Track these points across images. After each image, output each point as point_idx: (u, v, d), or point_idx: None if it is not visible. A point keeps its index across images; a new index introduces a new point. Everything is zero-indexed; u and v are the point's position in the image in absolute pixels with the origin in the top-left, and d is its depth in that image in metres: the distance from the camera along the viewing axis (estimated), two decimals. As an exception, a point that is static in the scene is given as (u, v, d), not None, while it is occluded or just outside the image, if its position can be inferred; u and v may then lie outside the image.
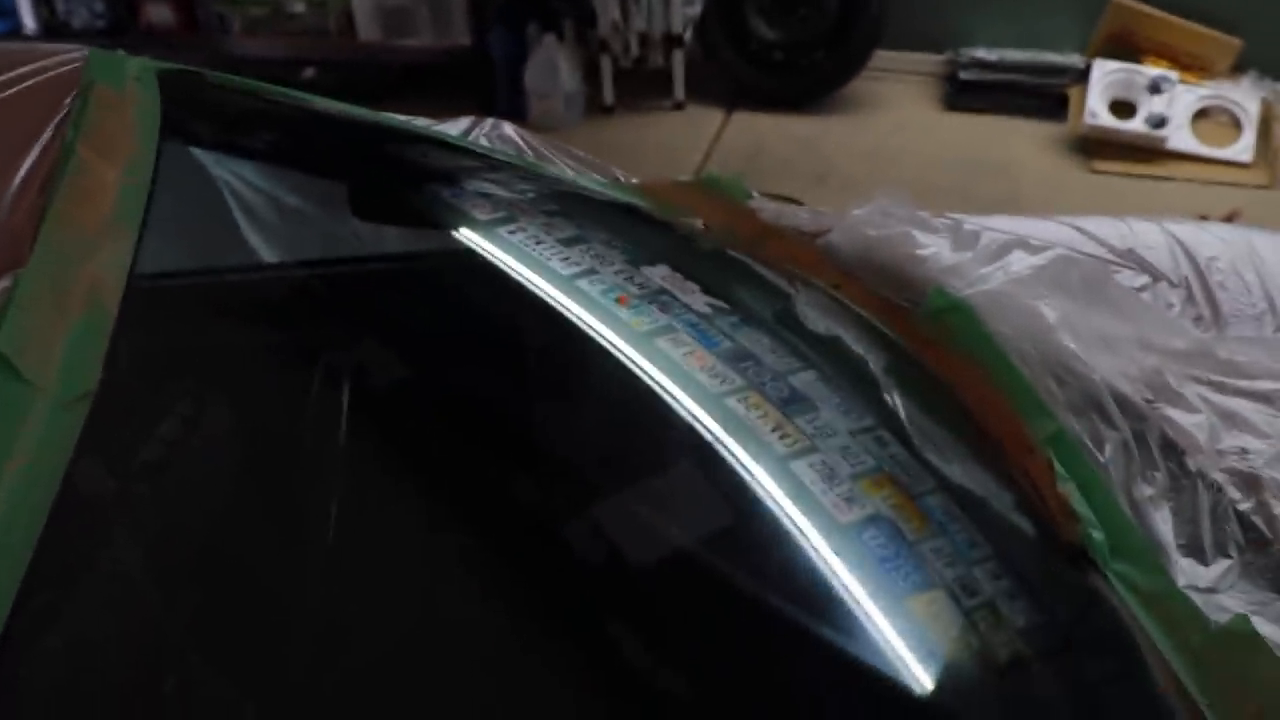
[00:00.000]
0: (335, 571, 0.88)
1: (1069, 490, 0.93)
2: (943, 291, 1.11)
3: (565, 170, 1.32)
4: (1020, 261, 1.15)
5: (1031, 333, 1.07)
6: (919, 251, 1.19)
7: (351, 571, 0.90)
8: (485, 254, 1.08)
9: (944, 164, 3.64)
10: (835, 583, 0.84)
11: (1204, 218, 2.03)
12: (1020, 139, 3.84)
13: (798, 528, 0.86)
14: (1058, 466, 0.95)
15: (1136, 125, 3.62)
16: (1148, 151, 3.60)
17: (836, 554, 0.85)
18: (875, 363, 1.07)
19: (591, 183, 1.33)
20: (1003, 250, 1.17)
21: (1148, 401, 1.06)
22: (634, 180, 1.35)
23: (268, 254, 1.22)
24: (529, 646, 0.86)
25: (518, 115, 3.80)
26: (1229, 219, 2.65)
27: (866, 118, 4.05)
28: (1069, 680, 0.88)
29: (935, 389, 1.07)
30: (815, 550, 0.85)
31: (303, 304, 1.16)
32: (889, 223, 1.23)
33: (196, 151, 1.17)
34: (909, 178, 3.53)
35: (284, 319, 1.12)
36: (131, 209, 0.75)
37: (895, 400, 1.03)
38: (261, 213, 1.21)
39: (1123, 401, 1.04)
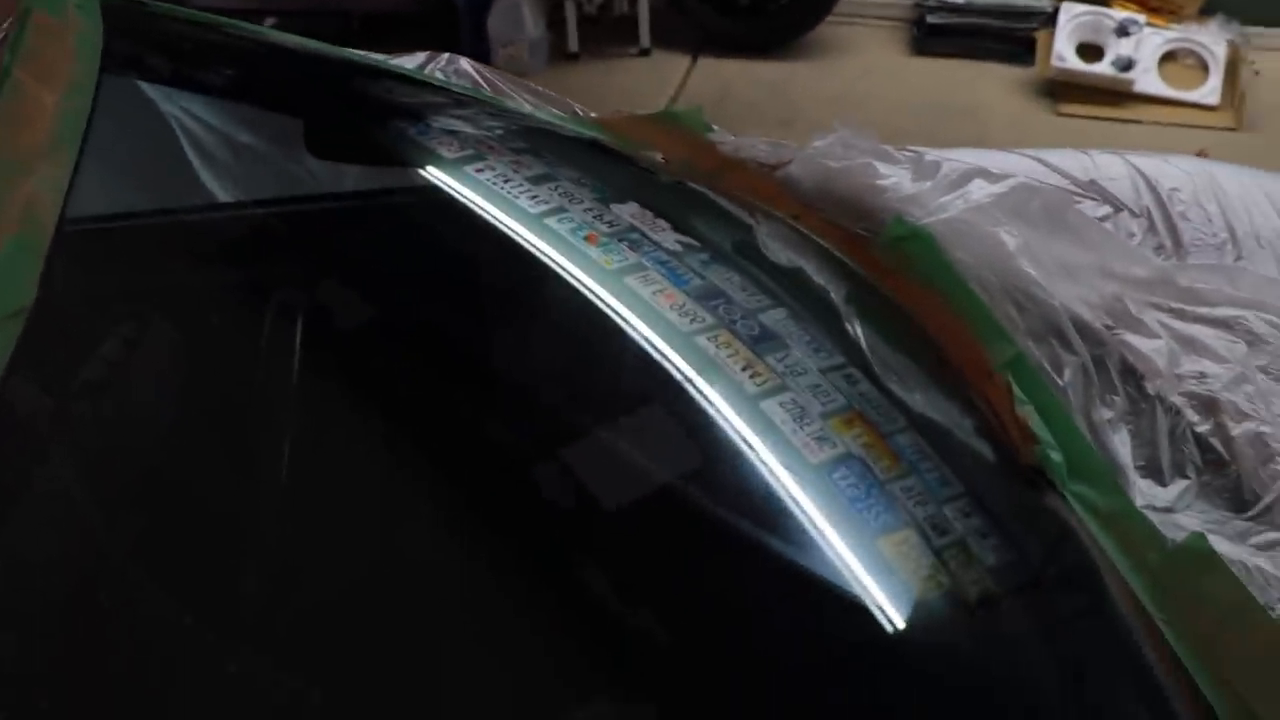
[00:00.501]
0: (288, 506, 0.87)
1: (1028, 413, 0.93)
2: (902, 220, 1.10)
3: (524, 105, 1.30)
4: (980, 190, 1.14)
5: (991, 260, 1.07)
6: (879, 181, 1.18)
7: (305, 507, 0.88)
8: (450, 192, 1.06)
9: (911, 108, 3.62)
10: (806, 523, 0.83)
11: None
12: (988, 83, 3.82)
13: (768, 468, 0.85)
14: (1016, 390, 0.94)
15: (1104, 68, 3.60)
16: (1115, 94, 3.59)
17: (807, 494, 0.84)
18: (836, 293, 1.06)
19: (551, 118, 1.32)
20: (963, 179, 1.16)
21: (1108, 328, 1.06)
22: (593, 115, 1.34)
23: (222, 194, 1.20)
24: (494, 588, 0.85)
25: (482, 62, 3.71)
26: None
27: (833, 63, 4.02)
28: (1038, 617, 0.88)
29: (896, 318, 1.07)
30: (786, 490, 0.84)
31: (258, 243, 1.14)
32: (849, 154, 1.22)
33: (145, 87, 1.14)
34: (876, 121, 3.42)
35: (239, 258, 1.10)
36: (70, 132, 0.73)
37: (856, 330, 1.02)
38: (215, 151, 1.18)
39: (1082, 327, 1.04)
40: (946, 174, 1.17)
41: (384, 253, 1.08)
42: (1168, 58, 3.62)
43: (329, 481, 0.91)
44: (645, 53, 4.05)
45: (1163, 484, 0.94)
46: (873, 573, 0.81)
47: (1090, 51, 3.65)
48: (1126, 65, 3.56)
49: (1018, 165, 1.38)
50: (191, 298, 0.99)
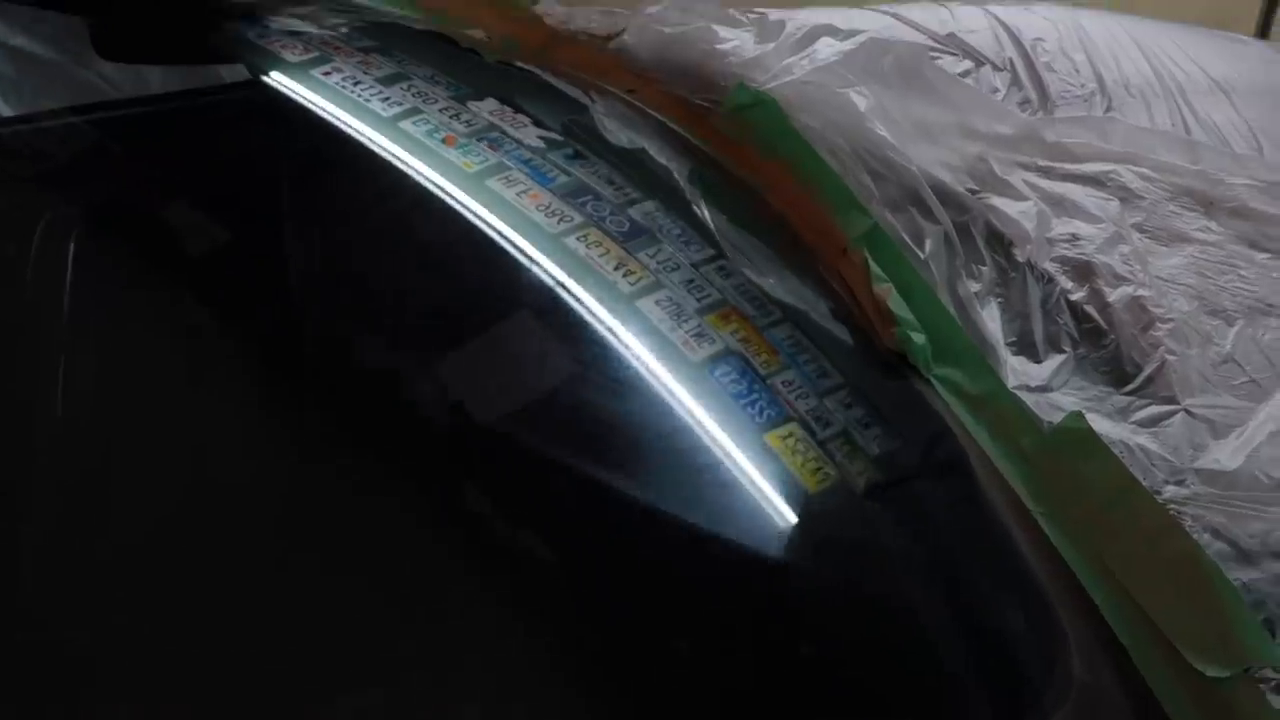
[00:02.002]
0: (74, 437, 0.84)
1: (886, 291, 0.84)
2: (744, 86, 1.00)
3: None
4: (827, 49, 1.05)
5: (842, 124, 0.98)
6: (719, 46, 1.08)
7: (97, 438, 0.85)
8: (293, 96, 0.99)
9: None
10: (692, 422, 0.81)
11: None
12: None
13: (649, 368, 0.83)
14: (873, 267, 0.86)
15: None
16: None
17: (691, 393, 0.82)
18: (679, 172, 0.98)
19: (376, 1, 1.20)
20: (808, 38, 1.06)
21: (971, 192, 0.98)
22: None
23: (4, 106, 1.09)
24: (364, 513, 0.83)
25: None
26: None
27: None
28: (923, 504, 0.86)
29: (743, 195, 0.99)
30: (669, 390, 0.82)
31: (61, 158, 1.04)
32: (687, 19, 1.12)
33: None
34: None
35: (43, 175, 1.02)
36: None
37: (703, 212, 0.95)
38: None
39: (944, 193, 0.96)
40: (790, 34, 1.07)
41: (225, 165, 1.02)
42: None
43: (127, 408, 0.88)
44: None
45: (1037, 360, 0.86)
46: (761, 468, 0.79)
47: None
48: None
49: (869, 21, 1.28)
50: None
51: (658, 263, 0.89)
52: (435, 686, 0.78)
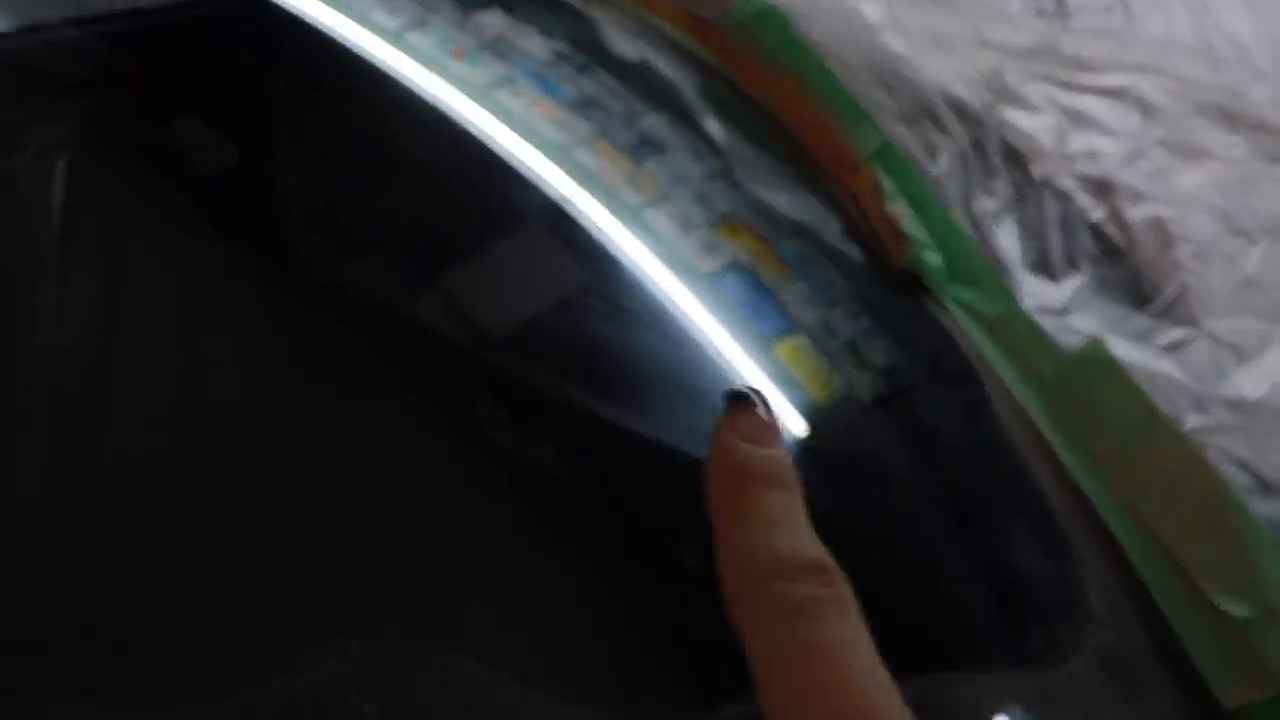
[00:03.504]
0: (74, 378, 0.82)
1: (899, 209, 0.81)
2: (751, -2, 0.97)
3: None
4: (838, -44, 1.00)
5: (852, 36, 0.94)
6: (726, -44, 1.04)
7: (98, 377, 0.84)
8: (290, 5, 0.97)
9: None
10: (702, 333, 0.82)
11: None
12: None
13: (659, 280, 0.83)
14: (886, 183, 0.83)
15: None
16: None
17: (702, 303, 0.82)
18: (685, 86, 0.96)
19: None
20: (818, -55, 1.02)
21: (987, 105, 0.94)
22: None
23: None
24: (387, 430, 0.83)
25: None
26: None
27: None
28: (931, 414, 0.84)
29: (751, 110, 0.96)
30: (679, 301, 0.83)
31: (34, 73, 1.00)
32: None
33: None
34: None
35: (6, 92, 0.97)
36: None
37: (710, 128, 0.93)
38: None
39: (958, 106, 0.92)
40: (800, -58, 1.03)
41: (223, 79, 1.00)
42: None
43: (131, 339, 0.87)
44: None
45: (1054, 281, 0.83)
46: (772, 377, 0.79)
47: None
48: None
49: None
50: None
51: (666, 175, 0.88)
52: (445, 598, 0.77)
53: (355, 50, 0.94)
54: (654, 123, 0.93)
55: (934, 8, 1.02)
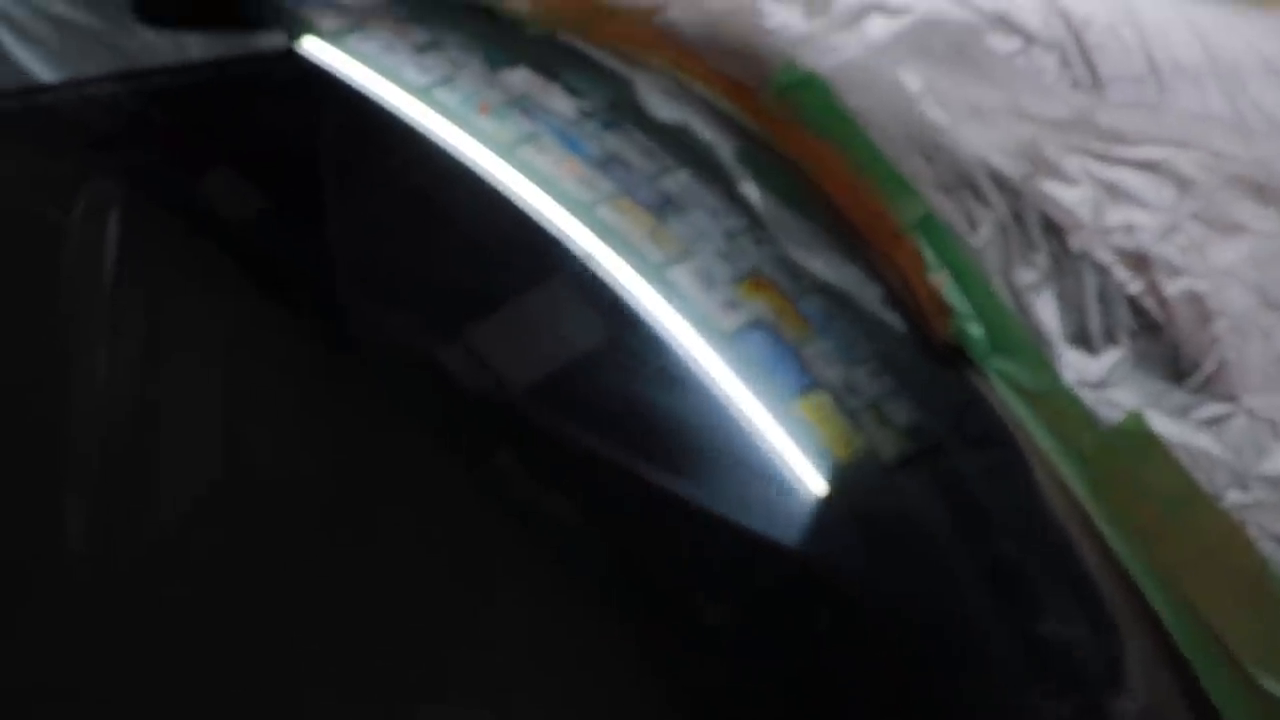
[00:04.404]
0: (120, 424, 0.83)
1: (941, 280, 0.82)
2: (793, 65, 0.99)
3: None
4: (878, 27, 1.02)
5: (893, 105, 0.96)
6: (765, 23, 1.06)
7: (143, 422, 0.85)
8: (324, 62, 1.00)
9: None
10: (721, 390, 0.83)
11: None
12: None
13: (680, 337, 0.85)
14: (928, 254, 0.84)
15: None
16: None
17: (722, 359, 0.84)
18: (724, 150, 0.97)
19: None
20: (858, 15, 1.04)
21: (1024, 176, 0.95)
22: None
23: (45, 75, 1.07)
24: (408, 479, 0.84)
25: None
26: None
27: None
28: (954, 475, 0.85)
29: (791, 176, 0.97)
30: (700, 358, 0.84)
31: (101, 126, 1.03)
32: None
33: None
34: None
35: (75, 144, 1.01)
36: None
37: (748, 191, 0.94)
38: (30, 27, 1.07)
39: (997, 177, 0.93)
40: (840, 10, 1.05)
41: (253, 134, 1.03)
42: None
43: (172, 387, 0.88)
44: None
45: (1093, 354, 0.83)
46: (792, 436, 0.81)
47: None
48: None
49: (919, -2, 1.25)
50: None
51: (688, 232, 0.89)
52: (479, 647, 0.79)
53: (384, 106, 0.96)
54: (678, 181, 0.94)
55: (972, 78, 1.03)
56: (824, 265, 0.91)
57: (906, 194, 0.87)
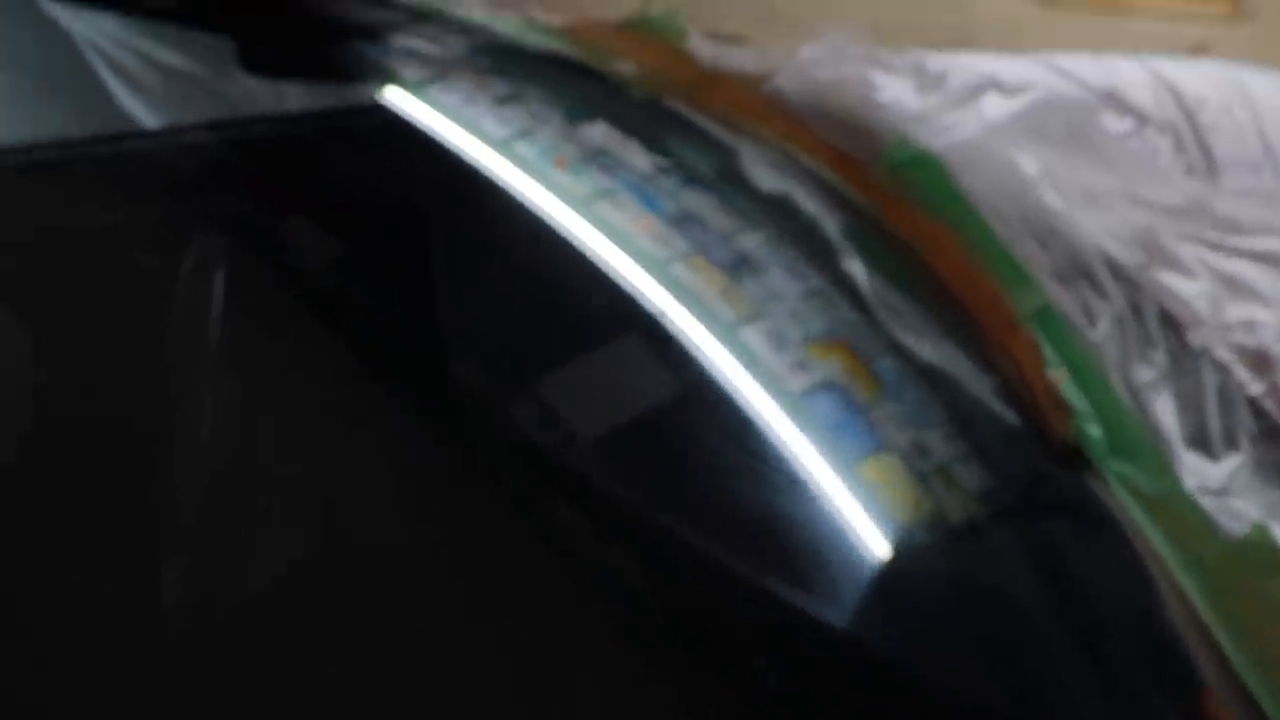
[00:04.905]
0: (216, 484, 0.80)
1: (1059, 376, 0.80)
2: (907, 142, 0.98)
3: (473, 8, 1.16)
4: (995, 106, 1.01)
5: (1009, 188, 0.94)
6: (878, 96, 1.05)
7: (238, 481, 0.82)
8: (409, 114, 1.00)
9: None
10: (786, 450, 0.81)
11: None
12: (975, -29, 3.63)
13: (747, 396, 0.83)
14: (1046, 347, 0.82)
15: (1097, -44, 3.42)
16: (1107, -18, 3.42)
17: (787, 421, 0.82)
18: (831, 224, 0.96)
19: (506, 25, 1.18)
20: (974, 93, 1.03)
21: (1141, 266, 0.93)
22: (553, 20, 1.19)
23: (149, 120, 1.08)
24: (474, 527, 0.82)
25: None
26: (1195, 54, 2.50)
27: (811, -51, 3.81)
28: (1027, 542, 0.83)
29: (902, 255, 0.96)
30: (766, 418, 0.82)
31: (194, 173, 1.02)
32: (843, 64, 1.09)
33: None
34: (850, 11, 3.32)
35: (171, 190, 1.00)
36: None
37: (854, 267, 0.93)
38: (136, 73, 1.06)
39: (1114, 266, 0.92)
40: (955, 87, 1.04)
41: (340, 183, 1.01)
42: (1161, -57, 3.45)
43: (264, 445, 0.85)
44: (613, -63, 3.82)
45: (1213, 459, 0.81)
46: (855, 497, 0.79)
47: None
48: (1119, -49, 3.39)
49: (1031, 73, 1.24)
50: (112, 238, 0.92)
51: (762, 292, 0.88)
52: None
53: (463, 159, 0.96)
54: (754, 240, 0.93)
55: (1088, 162, 1.01)
56: (932, 348, 0.90)
57: (1024, 282, 0.86)
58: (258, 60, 1.09)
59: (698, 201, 0.94)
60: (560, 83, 1.10)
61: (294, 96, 1.12)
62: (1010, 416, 0.86)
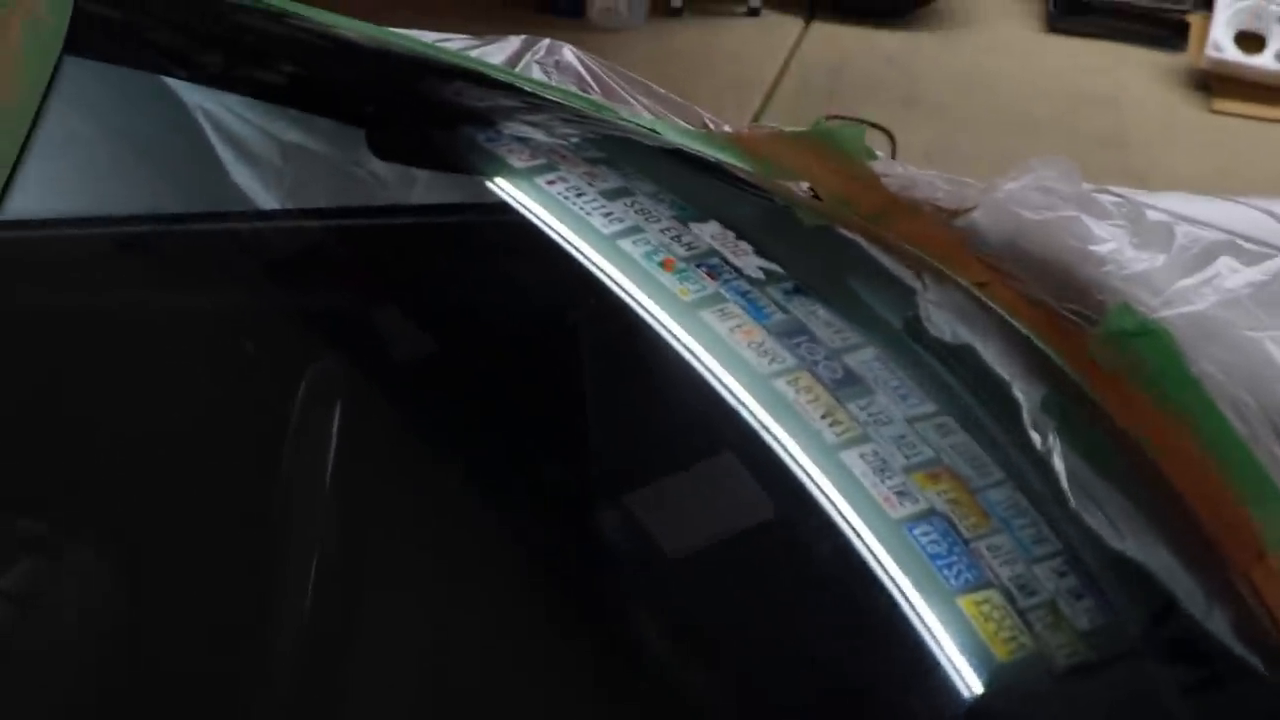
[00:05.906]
0: (325, 580, 0.77)
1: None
2: (1130, 309, 0.88)
3: (638, 112, 1.08)
4: (1233, 274, 0.89)
5: (1251, 376, 0.83)
6: (1093, 247, 0.94)
7: (344, 580, 0.78)
8: (517, 208, 0.96)
9: (1042, 92, 3.34)
10: (881, 581, 0.78)
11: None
12: (1130, 69, 3.49)
13: (844, 523, 0.80)
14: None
15: (1266, 61, 3.27)
16: (1276, 91, 3.27)
17: (884, 551, 0.79)
18: (1028, 393, 0.87)
19: (673, 132, 1.11)
20: (1207, 255, 0.91)
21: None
22: (725, 128, 1.10)
23: (264, 200, 1.03)
24: (557, 639, 0.78)
25: (574, 14, 3.56)
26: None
27: (959, 35, 3.71)
28: (1137, 686, 0.78)
29: (1118, 443, 0.86)
30: (862, 547, 0.79)
31: (293, 260, 0.99)
32: (1049, 202, 1.00)
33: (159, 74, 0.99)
34: (1003, 105, 3.24)
35: (271, 274, 0.97)
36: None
37: (1053, 445, 0.83)
38: (254, 150, 1.02)
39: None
40: (1184, 245, 0.92)
41: (438, 276, 0.98)
42: (1336, 53, 3.32)
43: (372, 541, 0.81)
44: (754, 12, 3.77)
45: None
46: (950, 633, 0.76)
47: (1250, 41, 3.33)
48: (1292, 59, 3.27)
49: (1248, 221, 1.10)
50: (212, 326, 0.87)
51: (868, 415, 0.84)
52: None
53: (568, 256, 0.92)
54: (864, 358, 0.88)
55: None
56: (1138, 549, 0.78)
57: (1273, 501, 0.73)
58: (390, 150, 1.03)
59: (808, 312, 0.90)
60: (676, 177, 1.05)
61: (422, 184, 1.07)
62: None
